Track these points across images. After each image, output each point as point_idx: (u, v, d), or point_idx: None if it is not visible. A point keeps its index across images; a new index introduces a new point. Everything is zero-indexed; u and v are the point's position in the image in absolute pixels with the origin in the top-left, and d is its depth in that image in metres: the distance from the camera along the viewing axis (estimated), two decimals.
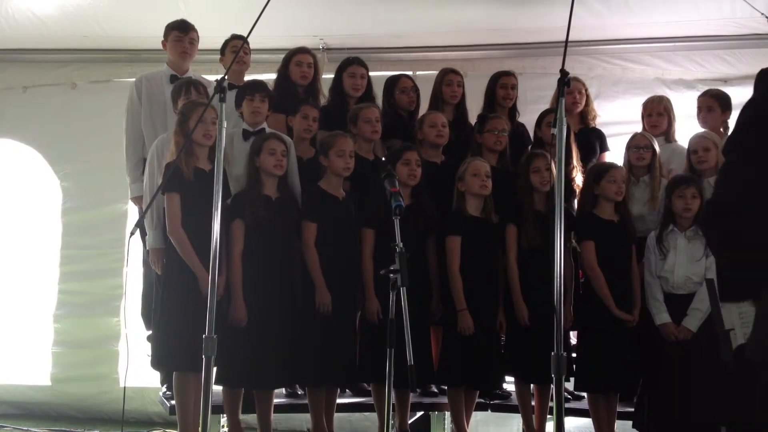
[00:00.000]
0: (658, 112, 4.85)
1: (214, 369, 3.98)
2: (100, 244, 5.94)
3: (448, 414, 4.57)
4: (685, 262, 4.18)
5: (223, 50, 4.93)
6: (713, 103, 4.80)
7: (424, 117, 4.66)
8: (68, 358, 5.98)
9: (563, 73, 2.96)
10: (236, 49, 4.57)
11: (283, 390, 4.60)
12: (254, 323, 4.00)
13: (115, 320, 5.78)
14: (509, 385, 4.74)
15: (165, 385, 4.57)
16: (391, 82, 4.95)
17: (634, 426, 4.29)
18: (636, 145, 4.56)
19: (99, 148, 5.89)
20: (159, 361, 4.13)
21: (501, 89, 4.96)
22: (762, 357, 1.51)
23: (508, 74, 5.02)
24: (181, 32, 4.76)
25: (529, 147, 4.98)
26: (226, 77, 3.29)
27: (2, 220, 6.37)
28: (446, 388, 4.45)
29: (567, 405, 4.59)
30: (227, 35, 4.88)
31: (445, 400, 4.46)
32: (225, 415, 4.27)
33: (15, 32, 5.67)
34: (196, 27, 4.84)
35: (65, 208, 6.12)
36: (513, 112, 5.06)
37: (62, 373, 5.98)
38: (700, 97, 4.91)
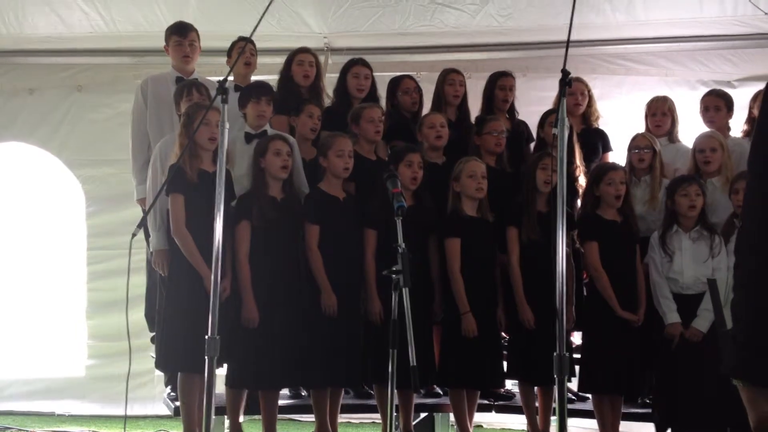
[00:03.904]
0: (662, 112, 4.85)
1: (221, 370, 4.03)
2: (126, 243, 5.91)
3: (452, 415, 4.57)
4: (692, 263, 4.18)
5: (229, 52, 4.94)
6: (720, 102, 4.81)
7: (424, 118, 4.67)
8: (101, 351, 6.03)
9: (564, 73, 2.96)
10: (241, 50, 4.58)
11: (287, 391, 4.61)
12: (261, 324, 4.00)
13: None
14: (514, 386, 4.74)
15: (169, 386, 4.57)
16: (394, 84, 4.95)
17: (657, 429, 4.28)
18: (637, 146, 4.57)
19: (115, 150, 5.88)
20: (164, 362, 4.14)
21: (500, 91, 4.97)
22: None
23: (506, 75, 5.02)
24: (180, 36, 4.76)
25: (531, 145, 4.99)
26: (228, 78, 3.29)
27: (22, 222, 6.41)
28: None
29: (571, 406, 4.60)
30: (234, 35, 4.89)
31: (449, 401, 4.46)
32: None
33: (20, 33, 5.69)
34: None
35: (89, 211, 6.15)
36: (512, 111, 5.06)
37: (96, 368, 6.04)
38: (705, 96, 4.92)
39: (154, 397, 5.66)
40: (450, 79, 4.93)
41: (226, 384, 4.10)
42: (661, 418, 4.19)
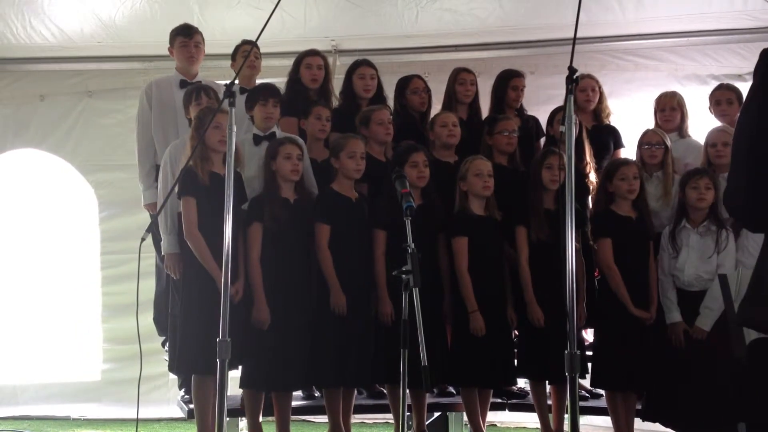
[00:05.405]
0: (671, 107, 4.83)
1: (235, 372, 4.03)
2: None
3: (465, 414, 4.56)
4: (696, 259, 4.17)
5: (234, 55, 4.96)
6: (731, 95, 4.79)
7: (436, 117, 4.66)
8: (116, 354, 6.07)
9: (571, 70, 2.95)
10: (246, 53, 4.59)
11: (301, 392, 4.62)
12: (274, 325, 4.02)
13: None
14: (527, 384, 4.73)
15: (183, 389, 4.59)
16: (403, 83, 4.95)
17: (644, 418, 4.27)
18: (648, 142, 4.56)
19: (127, 155, 5.91)
20: (177, 365, 4.15)
21: (512, 91, 4.96)
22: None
23: (519, 75, 5.01)
24: (185, 37, 4.78)
25: (542, 140, 4.98)
26: (235, 82, 3.30)
27: (36, 228, 6.46)
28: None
29: (585, 403, 4.59)
30: (239, 38, 4.91)
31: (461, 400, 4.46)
32: (243, 419, 4.28)
33: (29, 41, 5.72)
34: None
35: (102, 215, 6.20)
36: (520, 108, 5.05)
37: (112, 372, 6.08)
38: (716, 90, 4.89)
39: (169, 400, 5.69)
40: (461, 78, 4.92)
41: (241, 386, 4.12)
42: (654, 413, 4.18)
